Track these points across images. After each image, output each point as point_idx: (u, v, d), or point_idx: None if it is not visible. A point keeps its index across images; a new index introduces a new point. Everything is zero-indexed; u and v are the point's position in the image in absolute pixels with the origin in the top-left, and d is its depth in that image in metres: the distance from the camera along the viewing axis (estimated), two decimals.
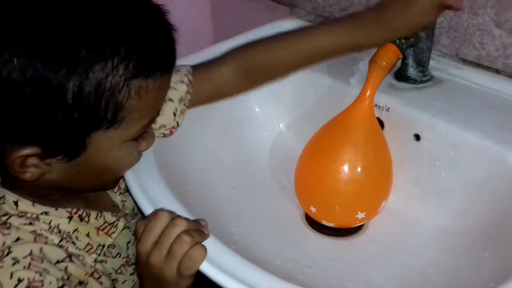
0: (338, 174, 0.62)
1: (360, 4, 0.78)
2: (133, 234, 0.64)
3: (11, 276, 0.50)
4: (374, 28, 0.59)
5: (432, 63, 0.70)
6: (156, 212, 0.50)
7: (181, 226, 0.48)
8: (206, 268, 0.46)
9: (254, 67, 0.65)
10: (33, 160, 0.47)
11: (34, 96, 0.43)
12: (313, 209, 0.65)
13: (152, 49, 0.48)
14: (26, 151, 0.46)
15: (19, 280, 0.50)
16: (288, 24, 0.84)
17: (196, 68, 0.66)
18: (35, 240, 0.53)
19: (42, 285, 0.51)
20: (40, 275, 0.51)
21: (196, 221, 0.50)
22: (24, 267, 0.51)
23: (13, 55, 0.42)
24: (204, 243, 0.48)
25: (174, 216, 0.49)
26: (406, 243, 0.63)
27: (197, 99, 0.64)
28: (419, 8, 0.57)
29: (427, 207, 0.64)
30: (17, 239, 0.52)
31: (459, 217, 0.60)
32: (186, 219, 0.49)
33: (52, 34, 0.42)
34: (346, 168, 0.61)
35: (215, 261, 0.46)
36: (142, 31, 0.47)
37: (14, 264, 0.51)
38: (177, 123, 0.63)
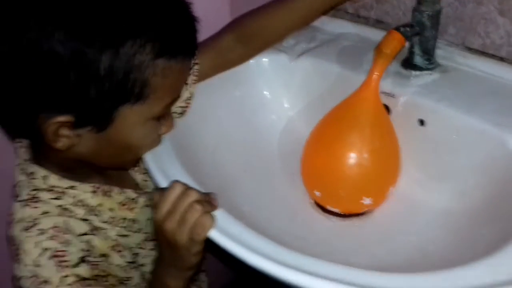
0: (343, 157, 0.64)
1: None
2: None
3: (36, 245, 0.55)
4: None
5: (439, 52, 0.72)
6: (172, 183, 0.54)
7: (193, 196, 0.52)
8: (215, 235, 0.50)
9: (253, 34, 0.72)
10: (65, 131, 0.52)
11: (72, 67, 0.48)
12: (317, 193, 0.68)
13: (177, 34, 0.53)
14: (61, 118, 0.51)
15: (44, 249, 0.55)
16: None
17: (201, 42, 0.71)
18: (61, 214, 0.58)
19: (65, 255, 0.56)
20: (64, 245, 0.56)
21: (206, 194, 0.54)
22: (49, 237, 0.56)
23: (55, 29, 0.47)
24: (213, 213, 0.52)
25: (187, 188, 0.53)
26: (409, 223, 0.66)
27: (205, 68, 0.70)
28: None
29: (430, 190, 0.66)
30: (44, 212, 0.57)
31: (460, 199, 0.63)
32: (198, 191, 0.53)
33: (90, 13, 0.48)
34: (350, 152, 0.64)
35: (223, 228, 0.50)
36: (169, 17, 0.52)
37: (40, 234, 0.56)
38: (191, 93, 0.68)
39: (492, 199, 0.58)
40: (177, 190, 0.53)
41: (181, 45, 0.54)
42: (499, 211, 0.56)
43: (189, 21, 0.54)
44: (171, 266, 0.57)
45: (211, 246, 0.51)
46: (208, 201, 0.53)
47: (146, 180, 0.70)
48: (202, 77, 0.70)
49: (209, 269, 0.83)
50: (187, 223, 0.52)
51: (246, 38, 0.72)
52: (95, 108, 0.52)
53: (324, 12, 0.75)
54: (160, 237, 0.55)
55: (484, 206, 0.59)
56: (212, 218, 0.52)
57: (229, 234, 0.49)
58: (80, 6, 0.48)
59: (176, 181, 0.54)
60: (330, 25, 0.85)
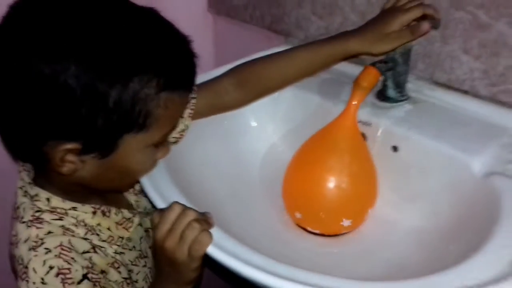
0: (323, 180, 0.69)
1: None
2: (145, 231, 0.73)
3: (44, 264, 0.58)
4: (353, 41, 0.70)
5: (410, 85, 0.79)
6: (171, 204, 0.58)
7: (191, 216, 0.57)
8: (212, 251, 0.54)
9: (249, 81, 0.76)
10: (71, 157, 0.56)
11: (84, 100, 0.52)
12: (298, 215, 0.72)
13: (179, 70, 0.58)
14: (69, 145, 0.55)
15: (50, 267, 0.58)
16: None
17: (200, 83, 0.76)
18: (64, 234, 0.61)
19: (70, 272, 0.59)
20: (68, 263, 0.59)
21: (203, 213, 0.59)
22: (55, 256, 0.59)
23: (71, 64, 0.51)
24: (211, 231, 0.57)
25: (186, 208, 0.58)
26: (386, 241, 0.71)
27: (201, 107, 0.74)
28: (390, 30, 0.68)
29: (403, 210, 0.72)
30: (49, 232, 0.61)
31: (431, 218, 0.68)
32: (196, 210, 0.58)
33: (102, 50, 0.52)
34: (330, 175, 0.69)
35: (220, 245, 0.54)
36: (172, 54, 0.57)
37: (46, 253, 0.59)
38: (186, 125, 0.72)
39: (459, 218, 0.64)
40: (176, 210, 0.58)
41: (182, 80, 0.59)
42: (465, 228, 0.62)
43: (190, 57, 0.59)
44: (170, 282, 0.61)
45: (209, 261, 0.55)
46: (205, 220, 0.58)
47: (138, 201, 0.74)
48: (197, 115, 0.74)
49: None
50: (186, 241, 0.56)
51: (243, 84, 0.76)
52: (102, 136, 0.56)
53: (325, 68, 0.76)
54: (160, 255, 0.59)
55: (452, 224, 0.65)
56: (210, 235, 0.56)
57: (224, 249, 0.54)
58: (93, 43, 0.52)
59: (175, 202, 0.59)
60: None
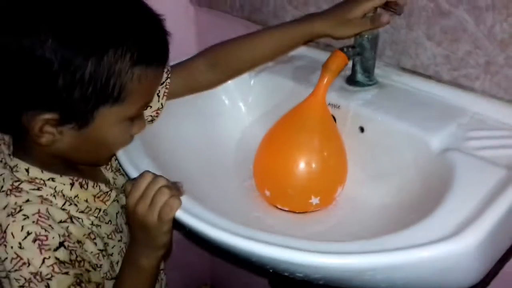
0: (290, 158, 0.72)
1: None
2: (121, 207, 0.76)
3: (22, 229, 0.61)
4: (318, 23, 0.75)
5: (378, 71, 0.83)
6: (142, 173, 0.62)
7: (161, 182, 0.60)
8: (181, 215, 0.57)
9: (221, 61, 0.80)
10: (49, 128, 0.59)
11: (60, 72, 0.55)
12: (267, 193, 0.75)
13: (152, 45, 0.61)
14: (47, 116, 0.58)
15: (28, 233, 0.61)
16: None
17: (174, 64, 0.79)
18: (41, 203, 0.65)
19: (47, 239, 0.62)
20: (46, 230, 0.62)
21: (174, 182, 0.62)
22: (33, 222, 0.62)
23: (48, 38, 0.54)
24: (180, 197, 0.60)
25: (156, 176, 0.61)
26: (353, 217, 0.74)
27: (175, 87, 0.77)
28: (353, 16, 0.73)
29: (370, 188, 0.75)
30: (27, 200, 0.64)
31: (395, 194, 0.71)
32: (166, 179, 0.61)
33: (78, 24, 0.55)
34: (298, 152, 0.72)
35: (188, 209, 0.58)
36: (146, 30, 0.61)
37: (24, 219, 0.62)
38: (161, 104, 0.76)
39: (419, 191, 0.68)
40: (147, 178, 0.61)
41: (155, 55, 0.62)
42: (424, 200, 0.65)
43: (162, 34, 0.63)
44: (144, 247, 0.64)
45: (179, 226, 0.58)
46: (175, 188, 0.61)
47: (115, 178, 0.77)
48: (172, 95, 0.78)
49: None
50: (156, 205, 0.59)
51: (215, 64, 0.80)
52: (78, 108, 0.59)
53: (292, 48, 0.83)
54: (132, 221, 0.63)
55: (413, 198, 0.68)
56: (179, 200, 0.59)
57: (193, 213, 0.57)
58: (69, 17, 0.56)
59: (146, 171, 0.62)
60: None
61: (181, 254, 1.35)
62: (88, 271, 0.67)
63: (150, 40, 0.61)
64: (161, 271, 0.87)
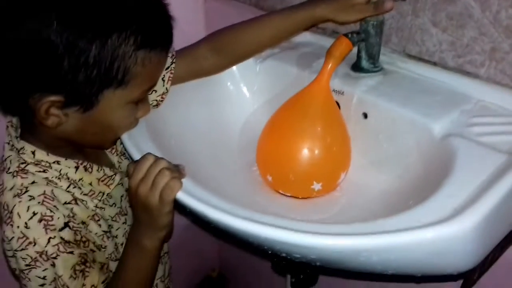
0: (292, 143, 0.72)
1: None
2: (126, 190, 0.77)
3: (28, 209, 0.63)
4: (320, 7, 0.75)
5: (383, 58, 0.83)
6: (144, 155, 0.63)
7: (163, 164, 0.61)
8: (181, 196, 0.58)
9: (226, 46, 0.80)
10: (55, 110, 0.61)
11: (65, 55, 0.56)
12: (269, 178, 0.75)
13: (156, 29, 0.62)
14: (53, 97, 0.59)
15: (34, 213, 0.63)
16: None
17: (179, 49, 0.80)
18: (47, 184, 0.66)
19: (52, 219, 0.64)
20: (51, 211, 0.64)
21: (176, 165, 0.63)
22: (39, 203, 0.63)
23: (53, 21, 0.55)
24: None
25: (158, 158, 0.62)
26: (355, 203, 0.75)
27: (180, 72, 0.78)
28: (356, 2, 0.74)
29: (372, 174, 0.76)
30: (33, 182, 0.65)
31: (396, 180, 0.72)
32: (168, 161, 0.62)
33: (83, 8, 0.56)
34: (300, 138, 0.72)
35: (188, 191, 0.59)
36: (150, 14, 0.61)
37: (30, 200, 0.63)
38: (166, 88, 0.76)
39: (420, 177, 0.68)
40: (150, 160, 0.62)
41: (159, 39, 0.63)
42: (424, 185, 0.65)
43: (166, 19, 0.64)
44: (146, 228, 0.65)
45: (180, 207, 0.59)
46: (177, 170, 0.62)
47: (120, 162, 0.78)
48: (176, 79, 0.79)
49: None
50: (158, 186, 0.60)
51: (219, 49, 0.81)
52: (83, 90, 0.60)
53: (295, 32, 0.84)
54: (134, 202, 0.64)
55: (414, 183, 0.69)
56: (180, 182, 0.60)
57: (194, 195, 0.58)
58: (75, 2, 0.57)
59: (148, 153, 0.63)
60: None
61: (190, 240, 1.37)
62: (93, 251, 0.69)
63: (154, 24, 0.62)
64: (166, 254, 0.89)
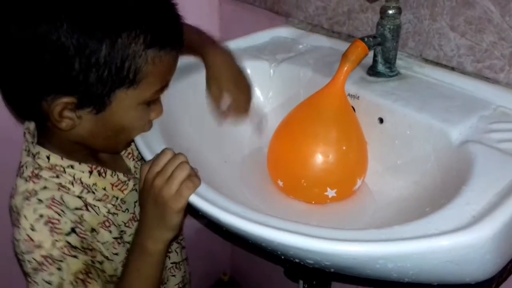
0: (304, 147, 0.71)
1: (343, 14, 0.91)
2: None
3: (34, 211, 0.63)
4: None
5: (400, 62, 0.82)
6: (163, 150, 0.62)
7: (182, 159, 0.60)
8: (194, 199, 0.58)
9: None
10: (68, 112, 0.60)
11: (76, 56, 0.56)
12: (280, 183, 0.74)
13: (165, 28, 0.62)
14: (65, 99, 0.59)
15: (41, 216, 0.63)
16: (283, 31, 0.99)
17: None
18: (58, 190, 0.66)
19: (59, 223, 0.63)
20: (58, 214, 0.64)
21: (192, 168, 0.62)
22: (46, 206, 0.63)
23: (62, 22, 0.55)
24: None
25: (177, 153, 0.61)
26: (369, 208, 0.74)
27: None
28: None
29: (388, 179, 0.75)
30: (44, 187, 0.65)
31: (411, 187, 0.71)
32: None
33: (92, 9, 0.56)
34: (312, 142, 0.70)
35: (201, 194, 0.58)
36: (159, 13, 0.61)
37: (38, 203, 0.63)
38: None
39: (437, 184, 0.67)
40: (168, 154, 0.61)
41: (168, 38, 0.63)
42: (441, 192, 0.64)
43: (175, 18, 0.64)
44: (152, 228, 0.63)
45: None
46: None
47: (137, 167, 0.78)
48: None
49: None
50: (176, 179, 0.59)
51: None
52: (95, 91, 0.60)
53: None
54: (147, 196, 0.62)
55: (430, 190, 0.67)
56: (199, 179, 0.59)
57: (208, 200, 0.57)
58: (84, 3, 0.57)
59: (167, 148, 0.63)
60: (307, 39, 0.95)
61: (201, 244, 1.37)
62: (100, 262, 0.68)
63: (163, 23, 0.61)
64: (185, 261, 0.88)
